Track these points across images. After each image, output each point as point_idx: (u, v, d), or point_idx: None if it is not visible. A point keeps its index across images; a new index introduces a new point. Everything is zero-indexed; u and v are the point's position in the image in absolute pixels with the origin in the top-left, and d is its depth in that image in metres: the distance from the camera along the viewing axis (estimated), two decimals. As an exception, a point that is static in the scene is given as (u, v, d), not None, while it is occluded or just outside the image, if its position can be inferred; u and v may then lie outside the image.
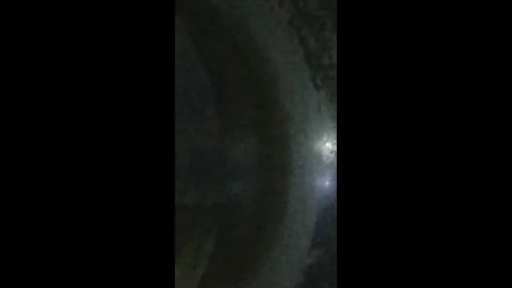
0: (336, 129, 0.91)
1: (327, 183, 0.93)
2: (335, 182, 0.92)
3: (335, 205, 0.92)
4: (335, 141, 0.91)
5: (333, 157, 0.92)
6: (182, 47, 0.91)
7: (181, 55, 0.91)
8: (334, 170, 0.92)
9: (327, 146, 0.92)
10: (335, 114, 0.91)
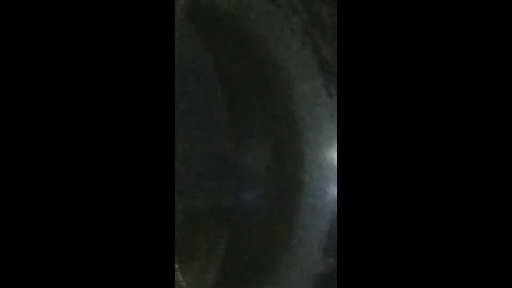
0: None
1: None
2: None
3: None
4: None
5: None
6: (196, 55, 0.92)
7: (194, 62, 0.91)
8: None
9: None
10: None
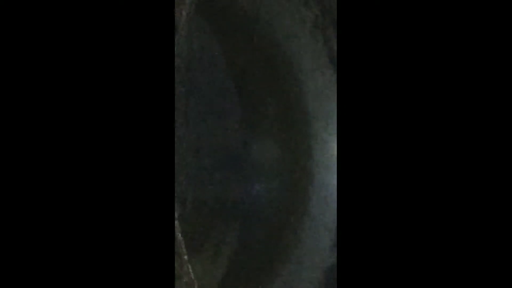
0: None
1: (349, 184, 0.93)
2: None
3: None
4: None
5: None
6: (207, 45, 0.92)
7: (205, 52, 0.91)
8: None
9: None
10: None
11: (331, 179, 0.93)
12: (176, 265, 0.69)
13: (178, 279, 0.70)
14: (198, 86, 0.90)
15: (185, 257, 0.72)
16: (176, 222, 0.69)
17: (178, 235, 0.69)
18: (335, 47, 0.92)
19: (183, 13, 0.72)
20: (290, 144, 0.95)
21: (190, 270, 0.75)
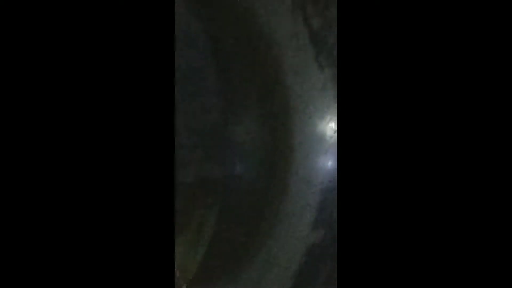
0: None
1: (329, 163, 0.93)
2: (337, 162, 0.92)
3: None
4: (339, 121, 0.91)
5: (336, 137, 0.92)
6: (185, 25, 0.91)
7: (183, 32, 0.90)
8: (336, 150, 0.92)
9: (330, 126, 0.92)
10: (339, 94, 0.91)
11: (313, 157, 0.93)
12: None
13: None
14: (178, 67, 0.89)
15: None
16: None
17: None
18: (316, 26, 0.92)
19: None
20: (270, 125, 0.94)
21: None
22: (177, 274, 0.92)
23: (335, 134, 0.92)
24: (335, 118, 0.92)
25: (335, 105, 0.91)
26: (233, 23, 0.93)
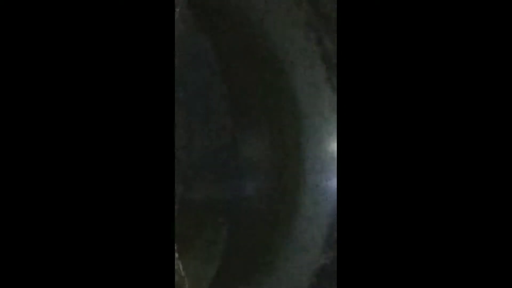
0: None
1: (340, 183, 0.93)
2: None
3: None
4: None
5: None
6: (197, 45, 0.91)
7: (195, 51, 0.91)
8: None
9: (341, 146, 0.92)
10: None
11: (323, 178, 0.93)
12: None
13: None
14: (186, 82, 0.90)
15: (176, 254, 0.72)
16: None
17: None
18: (327, 46, 0.92)
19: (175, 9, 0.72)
20: (281, 145, 0.95)
21: (181, 269, 0.75)
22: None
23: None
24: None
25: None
26: (243, 42, 0.94)
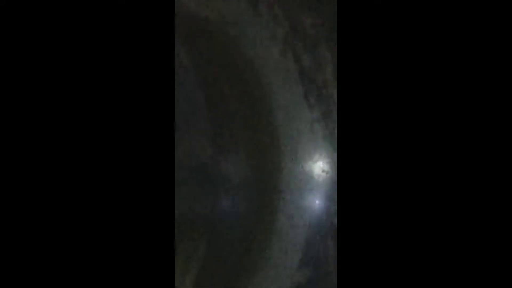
0: (327, 148, 0.91)
1: (317, 201, 0.93)
2: (325, 201, 0.92)
3: (325, 223, 0.92)
4: (327, 160, 0.92)
5: (324, 176, 0.92)
6: (178, 64, 0.91)
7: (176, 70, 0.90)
8: (325, 188, 0.92)
9: (319, 164, 0.92)
10: (327, 132, 0.91)
11: (300, 197, 0.93)
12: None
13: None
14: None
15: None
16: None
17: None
18: (305, 64, 0.92)
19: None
20: (258, 162, 0.94)
21: None
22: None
23: (323, 173, 0.92)
24: (323, 157, 0.92)
25: (323, 144, 0.92)
26: (223, 61, 0.94)
